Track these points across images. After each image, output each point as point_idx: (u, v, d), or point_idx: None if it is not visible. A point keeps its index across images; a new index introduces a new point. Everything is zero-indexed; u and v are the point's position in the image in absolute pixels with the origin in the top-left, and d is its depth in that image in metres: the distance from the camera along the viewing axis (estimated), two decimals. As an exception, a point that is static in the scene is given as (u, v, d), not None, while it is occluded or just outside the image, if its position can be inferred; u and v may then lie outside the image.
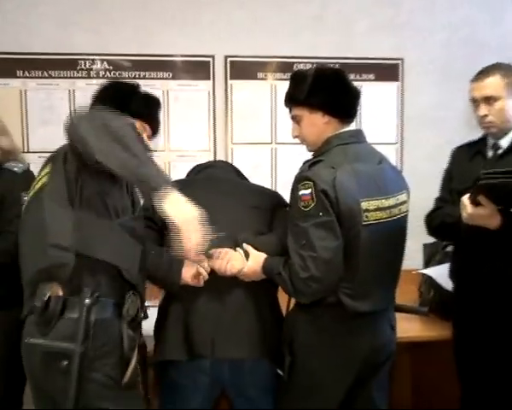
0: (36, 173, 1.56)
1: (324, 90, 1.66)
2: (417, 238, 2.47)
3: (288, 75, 1.80)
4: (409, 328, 2.13)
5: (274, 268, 1.62)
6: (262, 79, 2.87)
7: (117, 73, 2.77)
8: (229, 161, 2.82)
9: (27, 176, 1.90)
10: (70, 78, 2.74)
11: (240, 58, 2.83)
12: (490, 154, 1.93)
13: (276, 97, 2.85)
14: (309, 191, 1.53)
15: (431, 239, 2.26)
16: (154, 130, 1.74)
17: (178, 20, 2.77)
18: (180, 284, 1.66)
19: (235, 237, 1.70)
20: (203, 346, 1.62)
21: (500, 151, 1.89)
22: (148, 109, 1.71)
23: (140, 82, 2.67)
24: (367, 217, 1.57)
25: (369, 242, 1.57)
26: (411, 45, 2.94)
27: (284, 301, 1.74)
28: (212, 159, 2.78)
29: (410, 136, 2.99)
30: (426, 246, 2.63)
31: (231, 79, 2.84)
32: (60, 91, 2.74)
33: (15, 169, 1.93)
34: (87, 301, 1.34)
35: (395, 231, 1.67)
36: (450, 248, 2.30)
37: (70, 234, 1.36)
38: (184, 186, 1.86)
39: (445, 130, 2.92)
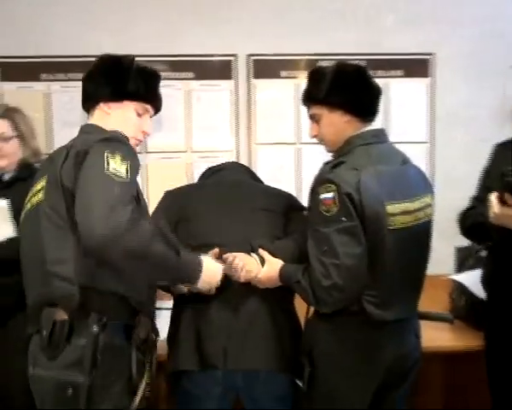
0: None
1: (345, 88, 1.60)
2: (450, 241, 2.38)
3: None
4: (439, 337, 2.04)
5: (292, 276, 1.56)
6: (286, 77, 2.80)
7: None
8: (253, 162, 2.80)
9: None
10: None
11: (263, 57, 2.78)
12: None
13: (300, 96, 2.76)
14: (331, 195, 1.47)
15: (464, 243, 2.16)
16: (157, 108, 1.65)
17: (200, 19, 2.74)
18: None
19: (249, 242, 1.65)
20: (215, 356, 1.57)
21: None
22: (147, 87, 1.58)
23: (162, 82, 2.71)
24: (392, 221, 1.50)
25: (394, 247, 1.50)
26: (442, 39, 2.82)
27: (301, 308, 1.68)
28: (234, 160, 2.73)
29: (441, 134, 2.88)
30: (458, 250, 2.55)
31: (254, 78, 2.79)
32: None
33: None
34: (95, 328, 1.29)
35: (420, 235, 1.60)
36: (483, 253, 2.19)
37: (72, 262, 1.30)
38: (196, 190, 1.86)
39: (477, 128, 2.80)
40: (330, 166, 1.56)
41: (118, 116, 1.52)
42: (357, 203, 1.45)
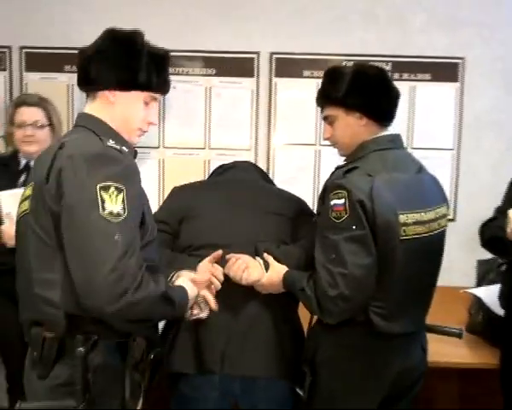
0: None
1: (364, 90, 1.54)
2: (473, 253, 2.28)
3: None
4: (452, 352, 1.95)
5: (296, 282, 1.51)
6: (308, 77, 2.74)
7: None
8: (271, 162, 2.75)
9: None
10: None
11: (285, 55, 2.73)
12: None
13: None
14: (342, 201, 1.42)
15: (487, 255, 2.07)
16: (165, 91, 1.46)
17: (222, 15, 2.71)
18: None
19: (254, 245, 1.61)
20: (212, 360, 1.53)
21: None
22: (159, 75, 1.38)
23: (183, 78, 2.72)
24: (405, 231, 1.44)
25: (405, 258, 1.44)
26: (473, 43, 2.72)
27: (305, 316, 1.63)
28: (252, 159, 2.70)
29: (469, 141, 2.78)
30: (480, 263, 2.45)
31: (276, 76, 2.75)
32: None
33: None
34: (81, 349, 1.19)
35: (433, 247, 1.54)
36: (504, 268, 2.10)
37: (59, 287, 1.21)
38: (203, 188, 1.82)
39: (507, 135, 2.70)
40: (343, 172, 1.50)
41: (123, 106, 1.35)
42: (370, 211, 1.40)
